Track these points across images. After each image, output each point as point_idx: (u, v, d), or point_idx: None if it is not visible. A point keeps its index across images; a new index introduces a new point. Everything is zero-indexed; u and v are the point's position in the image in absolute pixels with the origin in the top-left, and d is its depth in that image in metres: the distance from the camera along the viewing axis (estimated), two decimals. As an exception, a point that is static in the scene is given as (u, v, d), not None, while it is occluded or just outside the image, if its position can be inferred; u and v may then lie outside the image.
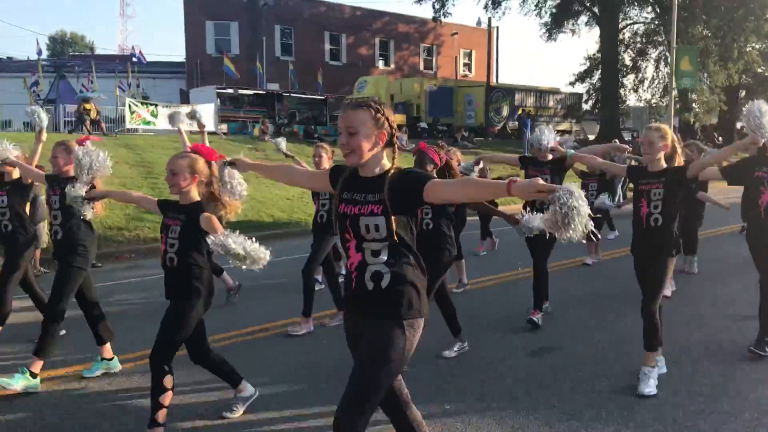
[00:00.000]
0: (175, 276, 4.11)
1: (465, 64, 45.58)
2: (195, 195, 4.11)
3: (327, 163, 6.63)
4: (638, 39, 36.69)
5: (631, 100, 38.42)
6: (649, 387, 4.78)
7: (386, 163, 2.93)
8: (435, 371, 5.38)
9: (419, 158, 5.45)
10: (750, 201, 5.73)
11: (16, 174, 5.77)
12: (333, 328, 6.59)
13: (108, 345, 5.36)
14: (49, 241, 5.43)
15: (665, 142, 4.90)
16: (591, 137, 39.10)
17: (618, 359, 5.65)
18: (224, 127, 26.76)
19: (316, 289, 7.14)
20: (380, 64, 41.70)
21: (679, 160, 5.02)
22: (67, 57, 39.22)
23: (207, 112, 23.36)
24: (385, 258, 2.86)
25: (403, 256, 2.88)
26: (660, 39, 34.92)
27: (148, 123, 20.41)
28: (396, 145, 2.98)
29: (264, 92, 31.83)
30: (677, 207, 4.94)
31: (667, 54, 29.62)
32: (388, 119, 2.89)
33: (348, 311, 3.10)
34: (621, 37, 35.73)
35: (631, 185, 5.95)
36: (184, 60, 37.04)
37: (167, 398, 4.04)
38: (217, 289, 4.66)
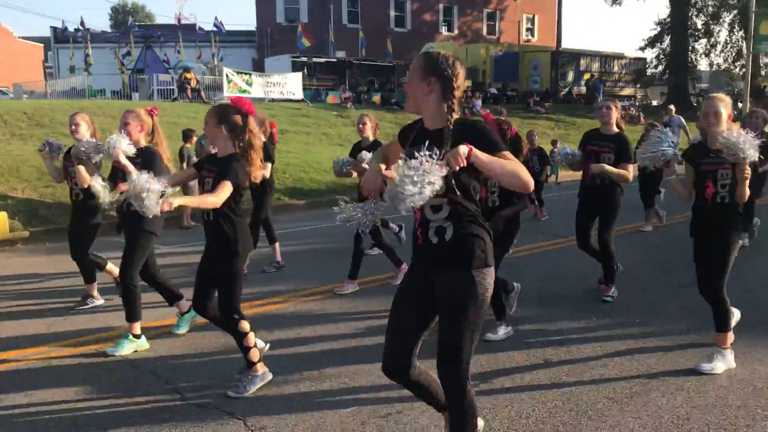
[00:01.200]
0: (214, 229, 4.21)
1: (528, 29, 45.47)
2: (230, 146, 4.19)
3: (370, 132, 6.87)
4: (711, 2, 36.13)
5: (702, 64, 38.01)
6: (715, 366, 4.54)
7: (447, 116, 2.88)
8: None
9: None
10: None
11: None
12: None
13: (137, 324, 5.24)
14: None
15: (729, 111, 4.53)
16: (654, 102, 39.00)
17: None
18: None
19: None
20: (444, 29, 41.94)
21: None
22: (140, 27, 40.31)
23: (295, 80, 24.32)
24: (446, 214, 2.89)
25: (465, 211, 2.90)
26: (733, 2, 34.41)
27: (244, 91, 21.43)
28: (456, 101, 2.91)
29: (335, 60, 32.56)
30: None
31: (741, 18, 29.39)
32: (441, 66, 2.88)
33: (412, 267, 3.12)
34: (692, 0, 35.27)
35: None
36: (255, 29, 37.85)
37: (250, 339, 4.25)
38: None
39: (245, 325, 4.22)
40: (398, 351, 3.03)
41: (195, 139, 12.04)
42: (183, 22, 30.13)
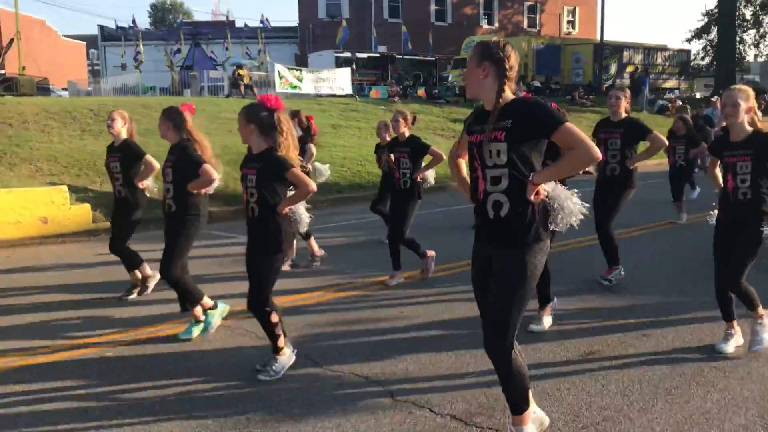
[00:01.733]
0: (257, 226, 4.32)
1: (568, 22, 45.23)
2: (263, 143, 4.29)
3: (404, 128, 6.95)
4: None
5: (750, 56, 37.47)
6: (764, 338, 4.66)
7: (507, 96, 3.09)
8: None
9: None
10: None
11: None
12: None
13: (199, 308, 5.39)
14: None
15: (749, 104, 4.51)
16: (698, 95, 38.54)
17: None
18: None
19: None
20: (484, 23, 41.96)
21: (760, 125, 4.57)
22: (187, 25, 41.17)
23: (344, 75, 24.69)
24: (505, 186, 3.03)
25: (521, 182, 3.02)
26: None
27: (295, 87, 21.89)
28: (508, 81, 3.10)
29: (378, 55, 32.87)
30: None
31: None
32: (493, 50, 3.09)
33: (477, 238, 3.29)
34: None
35: None
36: (297, 25, 38.35)
37: (279, 328, 4.41)
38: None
39: (275, 317, 4.40)
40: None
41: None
42: (219, 18, 30.85)
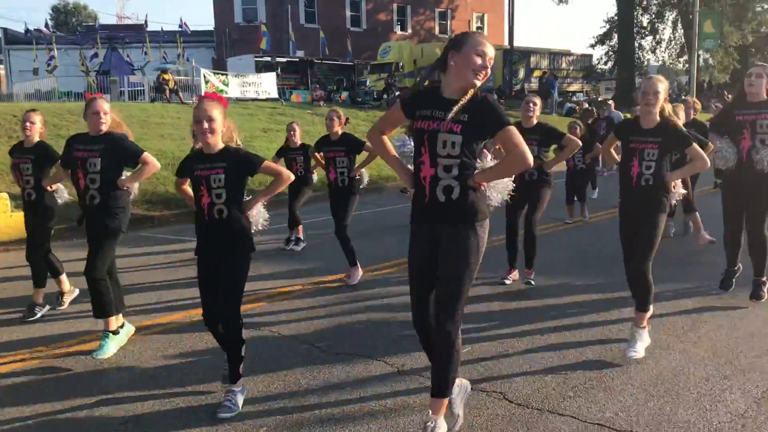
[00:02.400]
0: (225, 228, 4.04)
1: (478, 28, 46.75)
2: (221, 140, 4.06)
3: (338, 127, 7.20)
4: (654, 2, 38.16)
5: (649, 60, 40.03)
6: (636, 350, 4.66)
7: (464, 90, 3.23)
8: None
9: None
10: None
11: None
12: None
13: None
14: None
15: (666, 94, 4.71)
16: (602, 98, 40.81)
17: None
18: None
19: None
20: (397, 29, 42.88)
21: (673, 119, 4.73)
22: (81, 29, 39.95)
23: (270, 80, 24.82)
24: (456, 173, 3.23)
25: (469, 168, 3.26)
26: (674, 1, 36.41)
27: (221, 91, 21.86)
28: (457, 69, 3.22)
29: (297, 60, 33.08)
30: (668, 166, 4.76)
31: (682, 16, 31.41)
32: (461, 42, 3.25)
33: (419, 221, 3.41)
34: (637, -1, 37.22)
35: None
36: (213, 29, 38.00)
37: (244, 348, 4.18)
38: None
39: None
40: (427, 305, 3.43)
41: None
42: (124, 21, 30.21)
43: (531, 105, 6.67)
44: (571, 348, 4.96)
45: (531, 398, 4.07)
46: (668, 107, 4.73)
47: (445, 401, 3.44)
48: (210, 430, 3.80)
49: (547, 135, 6.67)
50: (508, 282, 6.90)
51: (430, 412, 3.41)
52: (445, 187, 3.23)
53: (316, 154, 7.62)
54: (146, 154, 5.10)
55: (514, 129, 3.21)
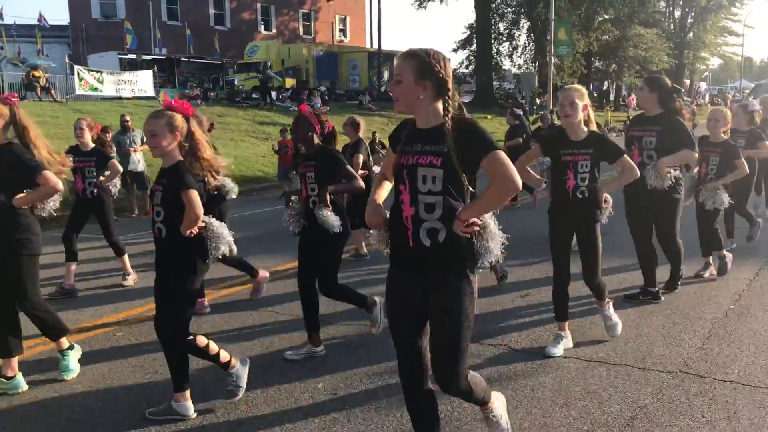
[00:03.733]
0: (166, 248, 3.85)
1: (340, 30, 47.68)
2: (177, 155, 3.82)
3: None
4: (509, 10, 40.87)
5: (506, 65, 42.80)
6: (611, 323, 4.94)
7: (444, 116, 2.83)
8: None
9: (301, 124, 4.86)
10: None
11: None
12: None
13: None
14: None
15: (585, 102, 4.59)
16: (465, 100, 43.16)
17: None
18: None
19: None
20: (262, 28, 42.80)
21: (593, 127, 4.69)
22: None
23: (146, 77, 24.14)
24: (440, 213, 2.81)
25: (455, 210, 2.82)
26: (524, 11, 39.21)
27: (95, 89, 21.00)
28: (451, 96, 2.83)
29: (163, 57, 32.26)
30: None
31: (540, 24, 34.11)
32: (435, 68, 2.79)
33: (399, 266, 3.00)
34: (494, 6, 39.60)
35: None
36: (68, 24, 36.05)
37: (212, 349, 4.02)
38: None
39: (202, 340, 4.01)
40: (415, 356, 2.99)
41: (111, 135, 12.44)
42: None
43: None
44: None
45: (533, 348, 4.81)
46: (591, 114, 4.68)
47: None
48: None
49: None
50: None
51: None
52: (429, 230, 2.83)
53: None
54: (46, 173, 4.14)
55: (502, 154, 2.79)
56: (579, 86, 4.74)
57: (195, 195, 3.73)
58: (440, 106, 2.84)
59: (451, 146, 2.78)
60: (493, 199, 2.83)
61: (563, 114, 4.56)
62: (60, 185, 4.21)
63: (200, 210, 3.75)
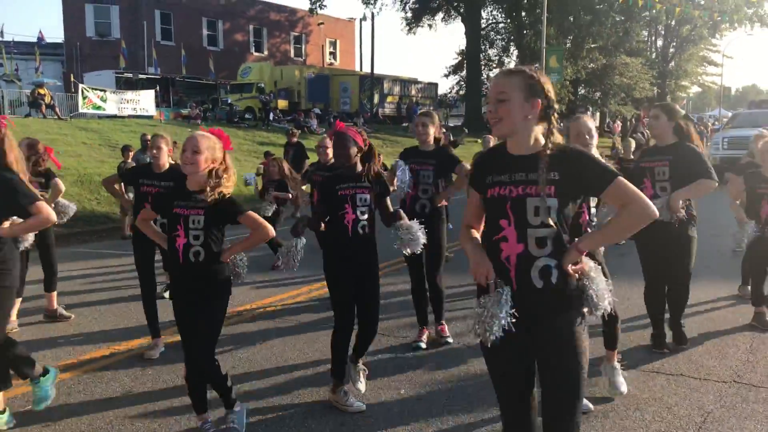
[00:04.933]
0: (201, 272, 3.76)
1: (331, 53, 48.33)
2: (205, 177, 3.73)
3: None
4: (499, 37, 41.78)
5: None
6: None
7: (541, 139, 2.58)
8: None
9: (340, 141, 4.46)
10: None
11: None
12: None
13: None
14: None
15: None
16: (451, 124, 43.89)
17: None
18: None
19: None
20: (253, 50, 43.25)
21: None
22: None
23: (148, 97, 24.37)
24: (551, 249, 2.53)
25: (565, 244, 2.57)
26: (513, 38, 40.10)
27: (98, 107, 21.19)
28: (556, 119, 2.60)
29: (159, 77, 32.51)
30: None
31: (528, 51, 34.96)
32: (543, 86, 2.55)
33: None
34: (484, 34, 40.47)
35: None
36: (62, 42, 36.19)
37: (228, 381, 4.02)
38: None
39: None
40: (526, 420, 2.67)
41: (132, 154, 12.70)
42: None
43: (421, 126, 5.63)
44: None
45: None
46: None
47: None
48: None
49: (442, 165, 5.67)
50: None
51: None
52: (543, 268, 2.54)
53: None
54: (40, 203, 3.90)
55: (624, 179, 2.56)
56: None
57: (255, 214, 3.88)
58: (541, 129, 2.58)
59: (562, 173, 2.52)
60: (626, 226, 2.58)
61: (582, 143, 4.14)
62: (54, 216, 4.00)
63: (270, 226, 3.90)
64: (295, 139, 15.64)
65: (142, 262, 5.58)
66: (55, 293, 6.67)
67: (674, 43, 49.91)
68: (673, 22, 47.94)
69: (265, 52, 43.63)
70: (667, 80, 48.17)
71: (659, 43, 51.84)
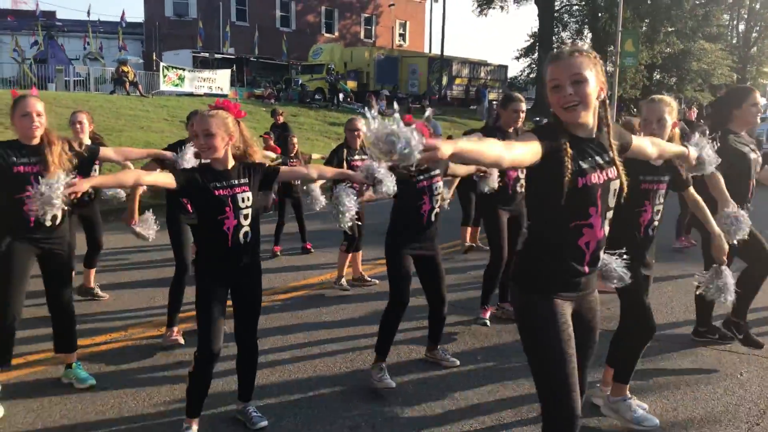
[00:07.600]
0: (252, 253, 3.61)
1: (400, 34, 48.40)
2: (230, 157, 3.53)
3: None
4: (572, 19, 41.05)
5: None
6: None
7: (605, 121, 2.57)
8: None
9: None
10: None
11: None
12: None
13: None
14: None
15: (674, 118, 3.81)
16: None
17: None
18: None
19: None
20: (324, 31, 43.74)
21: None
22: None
23: (224, 76, 25.10)
24: (608, 229, 2.60)
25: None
26: (587, 20, 39.32)
27: (177, 85, 22.01)
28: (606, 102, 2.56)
29: (233, 57, 33.30)
30: None
31: (603, 34, 34.32)
32: (604, 75, 2.53)
33: (562, 296, 2.58)
34: (557, 16, 39.81)
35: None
36: (142, 22, 37.47)
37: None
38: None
39: None
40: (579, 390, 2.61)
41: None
42: (20, 6, 29.50)
43: (519, 113, 5.49)
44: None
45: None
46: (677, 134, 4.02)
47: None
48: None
49: None
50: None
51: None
52: (601, 249, 2.63)
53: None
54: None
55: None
56: (668, 99, 3.88)
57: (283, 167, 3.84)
58: (603, 111, 2.55)
59: (621, 152, 2.62)
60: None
61: (649, 133, 3.67)
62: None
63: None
64: (281, 120, 14.97)
65: (179, 241, 5.28)
66: (93, 270, 6.52)
67: (758, 27, 47.93)
68: (757, 5, 46.06)
69: (336, 34, 44.03)
70: (747, 66, 46.38)
71: (741, 27, 49.88)
